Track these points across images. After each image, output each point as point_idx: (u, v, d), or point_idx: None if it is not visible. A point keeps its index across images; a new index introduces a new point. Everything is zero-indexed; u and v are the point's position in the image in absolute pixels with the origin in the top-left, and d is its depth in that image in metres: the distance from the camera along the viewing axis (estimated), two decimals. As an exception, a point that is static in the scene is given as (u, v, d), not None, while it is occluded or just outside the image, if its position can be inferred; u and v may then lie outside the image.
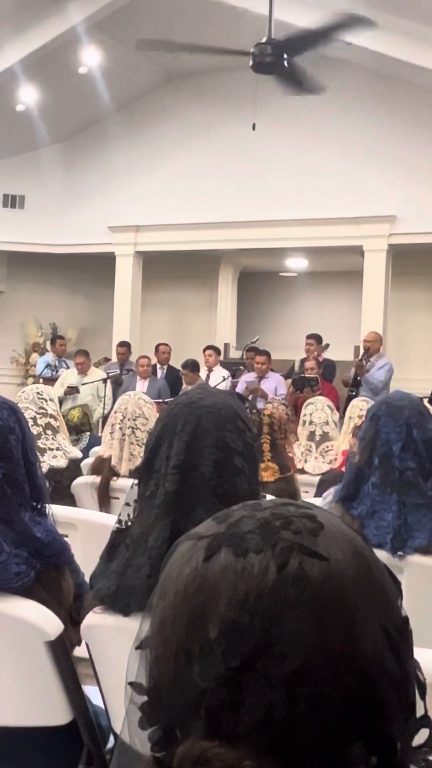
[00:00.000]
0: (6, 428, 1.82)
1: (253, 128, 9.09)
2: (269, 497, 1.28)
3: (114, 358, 11.18)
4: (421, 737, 0.69)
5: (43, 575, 1.79)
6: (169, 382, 10.48)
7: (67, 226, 12.75)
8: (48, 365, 11.05)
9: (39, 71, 10.89)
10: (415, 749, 0.68)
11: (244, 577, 0.65)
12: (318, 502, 2.62)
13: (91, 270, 13.25)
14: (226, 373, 10.05)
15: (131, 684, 0.72)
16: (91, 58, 10.90)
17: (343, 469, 4.24)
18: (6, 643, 1.76)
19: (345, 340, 11.45)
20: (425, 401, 3.40)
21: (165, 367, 11.08)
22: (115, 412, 3.84)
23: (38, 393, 3.90)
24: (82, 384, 9.77)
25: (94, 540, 2.21)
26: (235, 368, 10.33)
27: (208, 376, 10.22)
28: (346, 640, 0.64)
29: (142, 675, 0.71)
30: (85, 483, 3.75)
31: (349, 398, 7.80)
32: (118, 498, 3.58)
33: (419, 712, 0.68)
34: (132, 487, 1.64)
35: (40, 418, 3.80)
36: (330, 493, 2.66)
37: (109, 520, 2.32)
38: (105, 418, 8.25)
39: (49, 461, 3.71)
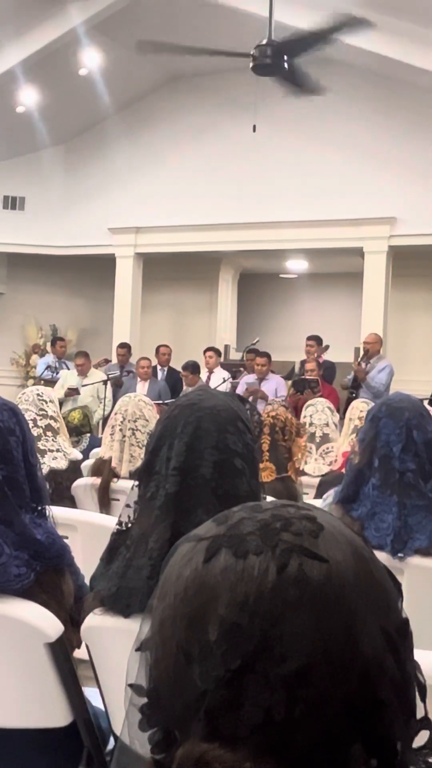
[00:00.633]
0: (6, 430, 1.82)
1: (254, 130, 9.10)
2: (269, 498, 1.28)
3: (114, 360, 11.17)
4: (421, 739, 0.69)
5: (43, 577, 1.79)
6: (169, 384, 10.48)
7: (67, 227, 12.75)
8: (48, 367, 11.05)
9: (39, 73, 10.90)
10: (415, 751, 0.68)
11: (244, 579, 0.65)
12: (318, 503, 2.62)
13: (92, 271, 13.25)
14: (226, 374, 10.05)
15: (131, 686, 0.72)
16: (91, 59, 10.90)
17: (343, 470, 4.25)
18: (6, 644, 1.76)
19: (345, 341, 11.45)
20: (425, 403, 3.40)
21: (165, 368, 11.08)
22: (115, 414, 3.84)
23: (38, 394, 3.90)
24: (82, 385, 9.77)
25: (94, 541, 2.21)
26: (235, 370, 10.32)
27: (208, 378, 10.22)
28: (346, 641, 0.64)
29: (142, 677, 0.71)
30: (85, 484, 3.75)
31: (349, 400, 7.81)
32: (118, 499, 3.58)
33: (419, 713, 0.68)
34: (132, 488, 1.64)
35: (41, 419, 3.80)
36: (330, 494, 2.66)
37: (110, 522, 2.32)
38: (105, 419, 8.25)
39: (49, 463, 3.71)
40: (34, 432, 3.64)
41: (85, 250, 12.75)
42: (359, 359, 9.12)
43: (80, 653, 1.82)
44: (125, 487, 3.41)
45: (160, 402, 7.77)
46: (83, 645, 1.76)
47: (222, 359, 11.10)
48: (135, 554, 1.55)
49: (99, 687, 1.77)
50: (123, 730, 0.73)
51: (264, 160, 11.25)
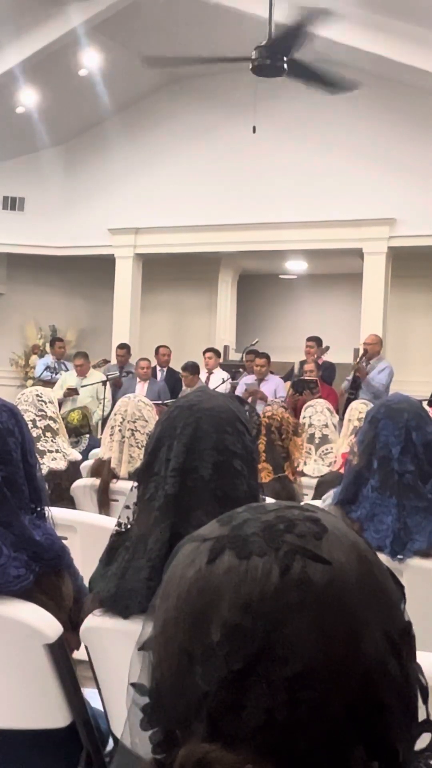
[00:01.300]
0: (5, 431, 1.82)
1: (254, 131, 9.10)
2: (268, 500, 1.27)
3: (113, 360, 11.18)
4: (423, 742, 0.69)
5: (42, 578, 1.78)
6: (168, 385, 10.48)
7: (66, 228, 12.75)
8: (47, 367, 11.05)
9: (39, 73, 10.90)
10: (417, 754, 0.68)
11: (247, 580, 0.65)
12: (317, 504, 2.62)
13: (91, 272, 13.25)
14: (225, 375, 10.05)
15: (133, 685, 0.72)
16: (91, 60, 10.90)
17: (341, 471, 4.25)
18: (5, 645, 1.76)
19: (345, 342, 11.45)
20: (425, 404, 3.40)
21: (165, 369, 11.08)
22: (115, 415, 3.83)
23: (38, 395, 3.90)
24: (82, 386, 9.77)
25: (93, 542, 2.21)
26: (234, 370, 10.33)
27: (207, 379, 10.22)
28: (348, 644, 0.64)
29: (144, 677, 0.71)
30: (84, 485, 3.74)
31: (349, 401, 7.81)
32: (117, 500, 3.58)
33: (421, 716, 0.68)
34: (131, 489, 1.64)
35: (40, 420, 3.80)
36: (329, 495, 2.66)
37: (109, 523, 2.32)
38: (104, 420, 8.25)
39: (48, 463, 3.71)
40: (34, 433, 3.64)
41: (84, 250, 12.75)
42: (359, 360, 9.12)
43: (79, 654, 1.82)
44: (124, 487, 3.41)
45: (160, 402, 7.77)
46: (82, 646, 1.75)
47: (221, 360, 11.10)
48: (134, 555, 1.55)
49: (98, 688, 1.77)
50: (124, 730, 0.73)
51: (264, 160, 11.25)
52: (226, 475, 1.53)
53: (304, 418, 4.91)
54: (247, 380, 9.61)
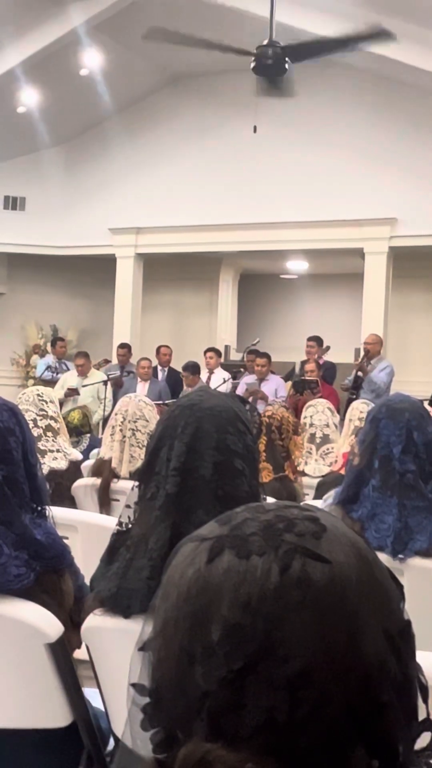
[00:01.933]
0: (6, 430, 1.82)
1: (254, 130, 9.10)
2: (269, 499, 1.27)
3: (114, 360, 11.18)
4: (423, 741, 0.69)
5: (43, 577, 1.78)
6: (169, 384, 10.48)
7: (67, 227, 12.75)
8: (48, 367, 11.05)
9: (40, 73, 10.90)
10: (417, 753, 0.68)
11: (247, 580, 0.65)
12: (318, 504, 2.62)
13: (92, 272, 13.24)
14: (226, 375, 10.05)
15: (134, 685, 0.72)
16: (92, 60, 10.90)
17: (342, 471, 4.25)
18: (6, 645, 1.76)
19: (345, 342, 11.45)
20: (425, 404, 3.40)
21: (165, 369, 11.08)
22: (116, 414, 3.83)
23: (39, 395, 3.90)
24: (83, 386, 9.77)
25: (94, 542, 2.21)
26: (235, 370, 10.32)
27: (208, 378, 10.22)
28: (348, 643, 0.64)
29: (144, 677, 0.71)
30: (85, 485, 3.74)
31: (350, 401, 7.81)
32: (118, 500, 3.57)
33: (421, 715, 0.68)
34: (132, 489, 1.64)
35: (41, 419, 3.80)
36: (330, 495, 2.66)
37: (110, 522, 2.32)
38: (105, 420, 8.25)
39: (49, 463, 3.71)
40: (35, 432, 3.64)
41: (85, 250, 12.74)
42: (361, 359, 9.12)
43: (80, 654, 1.82)
44: (125, 487, 3.41)
45: (161, 402, 7.77)
46: (83, 645, 1.75)
47: (222, 360, 11.10)
48: (135, 555, 1.55)
49: (99, 687, 1.77)
50: (125, 729, 0.73)
51: (264, 160, 11.25)
52: (227, 475, 1.54)
53: (305, 417, 4.90)
54: (247, 380, 9.61)
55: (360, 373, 8.88)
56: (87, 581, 1.80)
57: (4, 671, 1.78)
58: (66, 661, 1.75)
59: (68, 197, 12.84)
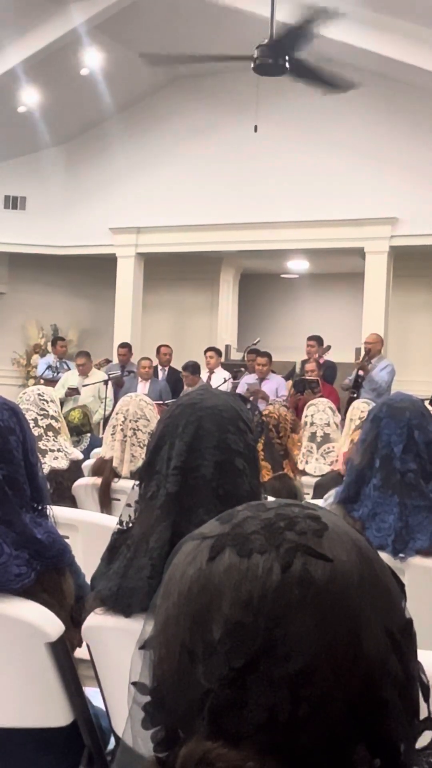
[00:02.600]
0: (6, 429, 1.82)
1: (255, 130, 9.10)
2: (270, 498, 1.27)
3: (115, 360, 11.17)
4: (424, 739, 0.68)
5: (43, 577, 1.78)
6: (170, 384, 10.48)
7: (68, 227, 12.75)
8: (49, 367, 11.04)
9: (41, 73, 10.90)
10: (418, 751, 0.68)
11: (248, 578, 0.65)
12: (319, 503, 2.61)
13: (93, 271, 13.25)
14: (227, 374, 10.04)
15: (135, 684, 0.72)
16: (92, 59, 10.90)
17: (339, 468, 4.25)
18: (7, 644, 1.75)
19: (346, 341, 11.45)
20: (426, 403, 3.40)
21: (166, 368, 11.08)
22: (117, 414, 3.83)
23: (39, 394, 3.90)
24: (83, 385, 9.77)
25: (94, 541, 2.21)
26: (236, 370, 10.32)
27: (209, 378, 10.22)
28: (349, 641, 0.64)
29: (145, 675, 0.71)
30: (86, 484, 3.74)
31: (350, 400, 7.81)
32: (119, 499, 3.57)
33: (423, 714, 0.68)
34: (133, 488, 1.64)
35: (42, 419, 3.80)
36: (331, 494, 2.66)
37: (110, 522, 2.32)
38: (106, 419, 8.24)
39: (50, 463, 3.71)
40: (35, 432, 3.64)
41: (86, 250, 12.75)
42: (361, 359, 9.12)
43: (81, 653, 1.82)
44: (126, 486, 3.41)
45: (161, 402, 7.76)
46: (84, 645, 1.75)
47: (223, 359, 11.10)
48: (136, 554, 1.55)
49: (100, 687, 1.77)
50: (126, 728, 0.73)
51: (265, 160, 11.25)
52: (227, 474, 1.53)
53: (306, 416, 4.90)
54: (248, 380, 9.61)
55: (361, 373, 8.87)
56: (88, 580, 1.80)
57: (5, 670, 1.78)
58: (67, 660, 1.75)
59: (69, 197, 12.84)
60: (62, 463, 3.79)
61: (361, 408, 4.43)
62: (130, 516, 1.63)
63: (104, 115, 12.13)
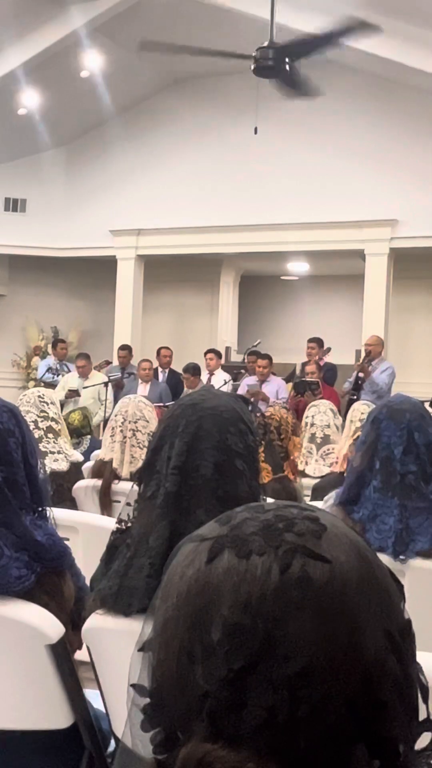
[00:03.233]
0: (6, 431, 1.82)
1: (255, 132, 9.10)
2: (269, 500, 1.27)
3: (115, 362, 11.18)
4: (423, 741, 0.68)
5: (43, 579, 1.78)
6: (170, 386, 10.48)
7: (68, 229, 12.76)
8: (49, 369, 11.04)
9: (41, 75, 10.91)
10: (418, 753, 0.68)
11: (247, 579, 0.65)
12: (319, 505, 2.62)
13: (93, 273, 13.25)
14: (227, 376, 10.05)
15: (133, 686, 0.72)
16: (92, 61, 10.91)
17: (337, 470, 4.25)
18: (7, 646, 1.75)
19: (346, 343, 11.46)
20: (426, 405, 3.39)
21: (166, 370, 11.08)
22: (116, 415, 3.83)
23: (39, 396, 3.90)
24: (84, 387, 9.77)
25: (95, 543, 2.20)
26: (236, 372, 10.32)
27: (209, 380, 10.22)
28: (349, 642, 0.64)
29: (144, 677, 0.71)
30: (86, 486, 3.74)
31: (351, 402, 7.80)
32: (119, 501, 3.57)
33: (422, 715, 0.68)
34: (133, 487, 1.64)
35: (42, 421, 3.80)
36: (331, 496, 2.66)
37: (110, 524, 2.31)
38: (106, 421, 8.24)
39: (50, 464, 3.71)
40: (35, 434, 3.63)
41: (86, 252, 12.76)
42: (362, 361, 9.12)
43: (81, 655, 1.82)
44: (126, 488, 3.41)
45: (161, 404, 7.76)
46: (84, 646, 1.75)
47: (223, 361, 11.11)
48: (136, 553, 1.55)
49: (100, 689, 1.77)
50: (125, 730, 0.73)
51: (265, 162, 11.25)
52: (227, 475, 1.53)
53: (306, 417, 4.90)
54: (248, 381, 9.61)
55: (361, 374, 8.87)
56: (87, 582, 1.80)
57: (5, 673, 1.78)
58: (67, 662, 1.75)
59: (69, 199, 12.85)
60: (62, 465, 3.79)
61: (361, 410, 4.42)
62: (129, 515, 1.63)
63: (104, 117, 12.14)
